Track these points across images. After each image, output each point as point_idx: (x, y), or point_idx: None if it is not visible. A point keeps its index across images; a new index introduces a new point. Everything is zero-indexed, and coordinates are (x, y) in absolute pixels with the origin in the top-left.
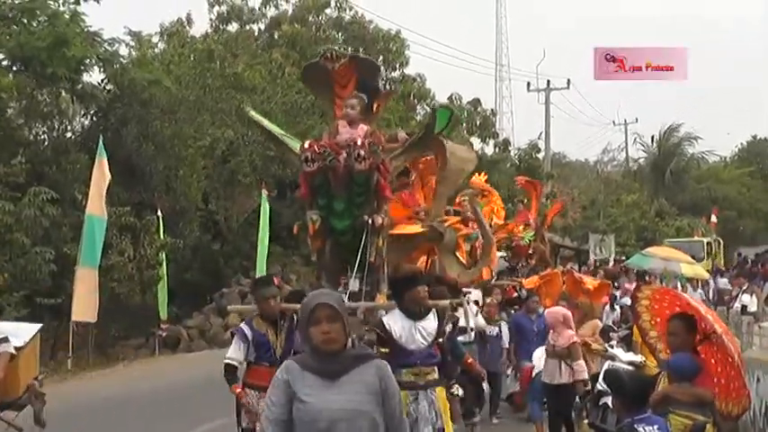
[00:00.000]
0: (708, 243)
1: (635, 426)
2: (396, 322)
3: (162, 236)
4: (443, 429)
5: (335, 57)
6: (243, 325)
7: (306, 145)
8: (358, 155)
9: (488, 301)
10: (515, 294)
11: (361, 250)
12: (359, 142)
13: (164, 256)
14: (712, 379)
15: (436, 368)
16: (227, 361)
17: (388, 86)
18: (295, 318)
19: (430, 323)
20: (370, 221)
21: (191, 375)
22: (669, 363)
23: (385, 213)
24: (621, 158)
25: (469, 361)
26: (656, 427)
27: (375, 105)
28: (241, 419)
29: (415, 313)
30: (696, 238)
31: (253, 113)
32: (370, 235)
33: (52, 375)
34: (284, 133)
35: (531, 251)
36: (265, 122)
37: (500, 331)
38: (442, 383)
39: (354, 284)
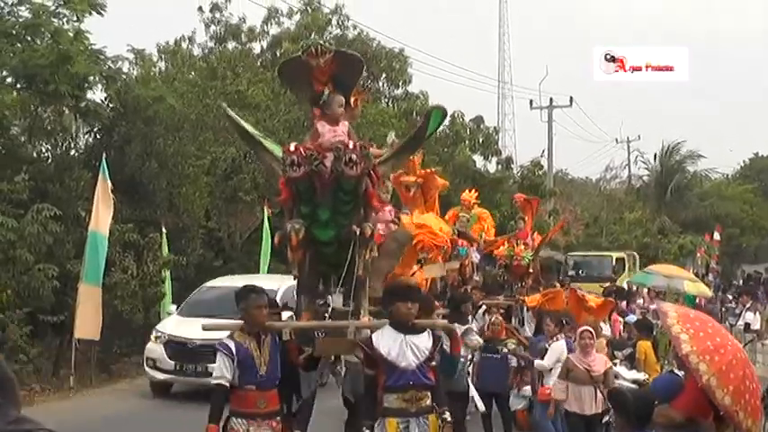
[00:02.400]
0: (618, 259)
1: None
2: (384, 338)
3: (165, 253)
4: None
5: (321, 52)
6: (225, 339)
7: (291, 148)
8: (349, 159)
9: (493, 319)
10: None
11: (348, 263)
12: (350, 145)
13: (168, 273)
14: (696, 398)
15: (430, 394)
16: (216, 382)
17: (369, 86)
18: (277, 337)
19: (423, 340)
20: (358, 232)
21: (194, 393)
22: (651, 383)
23: (374, 223)
24: (624, 176)
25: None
26: None
27: (353, 100)
28: None
29: (405, 327)
30: (605, 252)
31: (229, 111)
32: (359, 247)
33: (54, 393)
34: (263, 135)
35: (530, 270)
36: (242, 123)
37: (507, 351)
38: (434, 410)
39: (337, 300)
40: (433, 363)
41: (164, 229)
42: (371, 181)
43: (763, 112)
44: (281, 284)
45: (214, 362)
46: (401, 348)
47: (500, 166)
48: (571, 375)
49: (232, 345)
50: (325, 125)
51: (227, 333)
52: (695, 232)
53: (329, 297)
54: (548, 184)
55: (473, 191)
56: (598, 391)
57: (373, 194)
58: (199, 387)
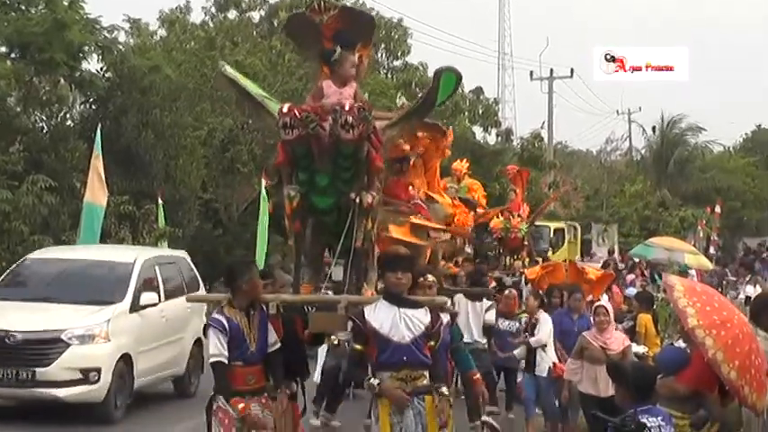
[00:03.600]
0: (557, 230)
1: (638, 417)
2: (378, 311)
3: (161, 225)
4: None
5: (324, 8)
6: (216, 314)
7: (284, 109)
8: (345, 121)
9: (507, 293)
10: (493, 284)
11: (345, 233)
12: (346, 107)
13: (164, 245)
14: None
15: (427, 373)
16: (214, 359)
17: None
18: (266, 308)
19: (419, 314)
20: (357, 200)
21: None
22: (655, 356)
23: (377, 191)
24: (625, 148)
25: (476, 377)
26: (659, 418)
27: (357, 56)
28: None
29: (399, 299)
30: (543, 222)
31: (227, 69)
32: (358, 216)
33: None
34: (264, 94)
35: (524, 243)
36: (241, 80)
37: (520, 326)
38: (431, 390)
39: (338, 273)
40: (432, 342)
41: (160, 201)
42: (373, 146)
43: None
44: (137, 257)
45: (46, 363)
46: (394, 321)
47: (500, 138)
48: (586, 354)
49: (224, 320)
50: (331, 86)
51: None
52: (696, 205)
53: (331, 270)
54: (548, 156)
55: (464, 161)
56: None
57: (375, 160)
58: (24, 402)
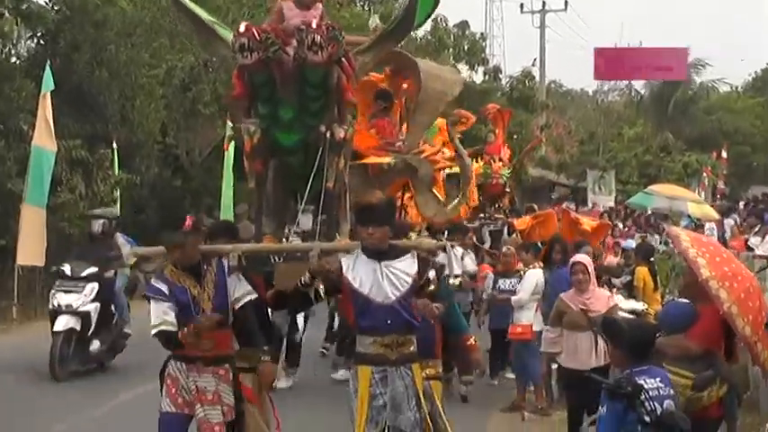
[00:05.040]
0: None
1: (635, 378)
2: (357, 265)
3: (117, 171)
4: (422, 420)
5: None
6: (154, 281)
7: (241, 28)
8: (312, 41)
9: (505, 250)
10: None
11: (314, 173)
12: (313, 24)
13: (119, 193)
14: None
15: (413, 337)
16: (154, 330)
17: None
18: (226, 261)
19: (404, 266)
20: (328, 134)
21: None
22: (659, 313)
23: (349, 125)
24: (623, 87)
25: (470, 342)
26: (657, 379)
27: None
28: (163, 399)
29: (379, 252)
30: None
31: None
32: (328, 153)
33: None
34: (216, 21)
35: (506, 190)
36: (191, 5)
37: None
38: (418, 359)
39: (306, 221)
40: (430, 288)
41: (115, 146)
42: (345, 72)
43: None
44: None
45: None
46: (375, 278)
47: (487, 77)
48: (565, 320)
49: (164, 287)
50: (293, 8)
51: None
52: (701, 150)
53: (299, 217)
54: (539, 96)
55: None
56: (600, 338)
57: (347, 89)
58: None
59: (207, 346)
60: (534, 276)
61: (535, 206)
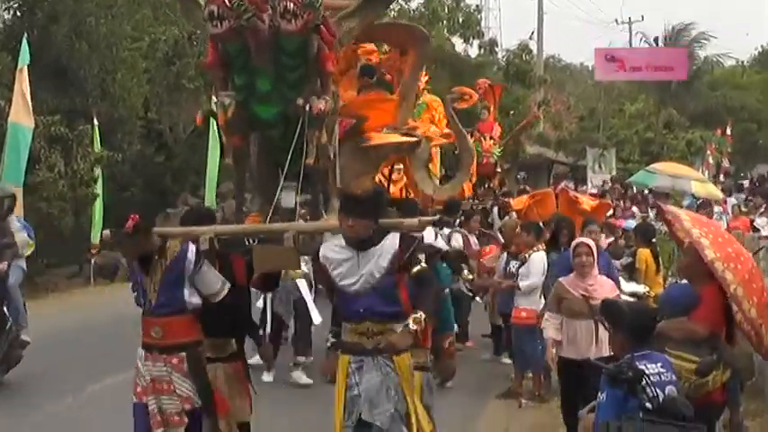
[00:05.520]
0: None
1: (635, 363)
2: (336, 251)
3: (98, 148)
4: (405, 415)
5: None
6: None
7: None
8: (285, 9)
9: (518, 231)
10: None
11: (293, 149)
12: None
13: (100, 171)
14: (716, 310)
15: (395, 325)
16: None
17: None
18: (193, 249)
19: (383, 251)
20: (307, 107)
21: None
22: (660, 295)
23: (333, 97)
24: None
25: (448, 342)
26: (659, 364)
27: None
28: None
29: (358, 240)
30: None
31: None
32: (308, 127)
33: None
34: None
35: (498, 169)
36: None
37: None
38: (406, 347)
39: (288, 199)
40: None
41: (96, 122)
42: (324, 41)
43: None
44: None
45: None
46: (352, 265)
47: (482, 50)
48: (564, 306)
49: (134, 269)
50: None
51: None
52: (705, 127)
53: (279, 195)
54: (537, 70)
55: (423, 74)
56: (600, 327)
57: (327, 58)
58: None
59: (157, 334)
60: (541, 260)
61: (528, 187)
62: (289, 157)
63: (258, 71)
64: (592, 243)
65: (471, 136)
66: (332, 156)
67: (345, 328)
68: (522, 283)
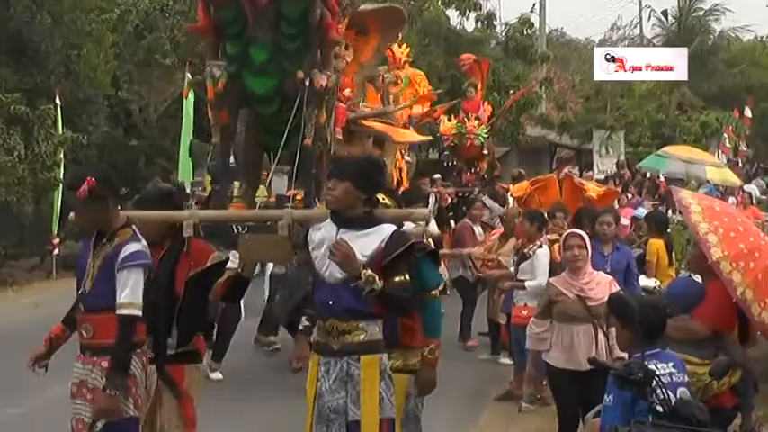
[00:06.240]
0: None
1: (646, 362)
2: (320, 233)
3: (61, 130)
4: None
5: None
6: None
7: None
8: None
9: (527, 224)
10: (449, 203)
11: (289, 127)
12: None
13: (63, 155)
14: (720, 307)
15: (366, 324)
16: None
17: None
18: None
19: (369, 240)
20: (307, 81)
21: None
22: (664, 291)
23: (336, 71)
24: (634, 36)
25: (430, 349)
26: (671, 365)
27: None
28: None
29: (338, 217)
30: None
31: None
32: (308, 103)
33: None
34: None
35: (485, 152)
36: None
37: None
38: (379, 349)
39: (280, 183)
40: (398, 278)
41: (58, 101)
42: (329, 8)
43: None
44: None
45: None
46: (327, 249)
47: (480, 24)
48: (557, 310)
49: (83, 248)
50: None
51: None
52: (721, 108)
53: (270, 179)
54: (539, 46)
55: (403, 46)
56: (600, 333)
57: (331, 27)
58: None
59: (88, 333)
60: (546, 257)
61: (522, 171)
62: (284, 137)
63: (254, 40)
64: (584, 234)
65: (455, 116)
66: (328, 138)
67: (317, 324)
68: (529, 283)
